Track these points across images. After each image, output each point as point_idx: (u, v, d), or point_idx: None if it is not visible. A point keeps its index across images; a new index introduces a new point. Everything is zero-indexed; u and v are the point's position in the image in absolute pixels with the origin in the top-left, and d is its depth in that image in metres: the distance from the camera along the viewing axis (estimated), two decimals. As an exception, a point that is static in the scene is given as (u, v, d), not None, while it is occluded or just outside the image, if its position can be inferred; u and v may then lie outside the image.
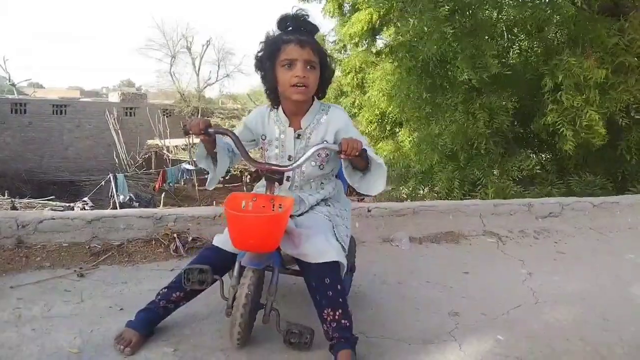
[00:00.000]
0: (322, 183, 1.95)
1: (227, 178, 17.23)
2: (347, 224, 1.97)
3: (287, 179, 1.88)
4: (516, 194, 5.38)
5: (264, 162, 1.83)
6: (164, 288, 1.82)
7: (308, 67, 1.74)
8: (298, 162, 1.69)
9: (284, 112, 1.88)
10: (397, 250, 3.11)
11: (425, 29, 5.26)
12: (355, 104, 9.96)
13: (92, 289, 2.23)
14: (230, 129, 1.92)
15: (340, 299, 1.70)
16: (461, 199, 6.01)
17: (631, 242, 3.50)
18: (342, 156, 1.64)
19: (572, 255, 3.16)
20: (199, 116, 21.06)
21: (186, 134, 1.71)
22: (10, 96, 21.49)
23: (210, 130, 1.69)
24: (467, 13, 5.17)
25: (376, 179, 1.78)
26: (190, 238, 2.83)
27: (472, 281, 2.62)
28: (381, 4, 6.40)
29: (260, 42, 1.83)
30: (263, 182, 1.95)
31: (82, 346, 1.73)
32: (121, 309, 2.03)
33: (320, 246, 1.71)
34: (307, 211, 1.90)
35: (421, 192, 7.46)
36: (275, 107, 1.89)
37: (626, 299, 2.46)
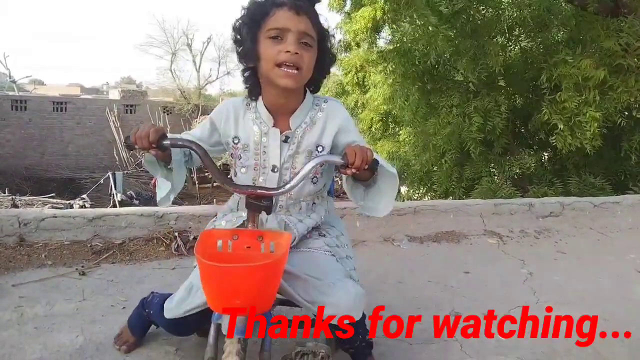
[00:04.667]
0: (314, 203, 1.51)
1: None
2: (350, 253, 1.55)
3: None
4: (508, 195, 5.40)
5: (245, 184, 1.40)
6: (143, 308, 1.71)
7: (303, 42, 1.30)
8: (292, 183, 1.25)
9: (265, 108, 1.42)
10: (398, 249, 3.11)
11: (417, 34, 5.26)
12: (359, 104, 9.99)
13: (93, 287, 2.24)
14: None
15: (361, 341, 1.57)
16: (460, 198, 6.03)
17: (632, 242, 3.50)
18: (349, 172, 1.23)
19: (573, 255, 3.17)
20: (199, 114, 21.02)
21: (130, 148, 1.24)
22: (10, 93, 21.47)
23: (166, 142, 1.24)
24: (468, 15, 5.17)
25: (384, 194, 1.37)
26: (191, 237, 2.84)
27: (473, 281, 2.62)
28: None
29: (244, 6, 1.38)
30: (230, 204, 1.57)
31: (84, 344, 1.74)
32: (123, 308, 2.04)
33: (339, 301, 1.32)
34: (296, 245, 1.44)
35: (420, 191, 7.49)
36: (254, 98, 1.44)
37: (627, 299, 2.47)
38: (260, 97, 1.43)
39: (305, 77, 1.35)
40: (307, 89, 1.44)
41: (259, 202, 1.24)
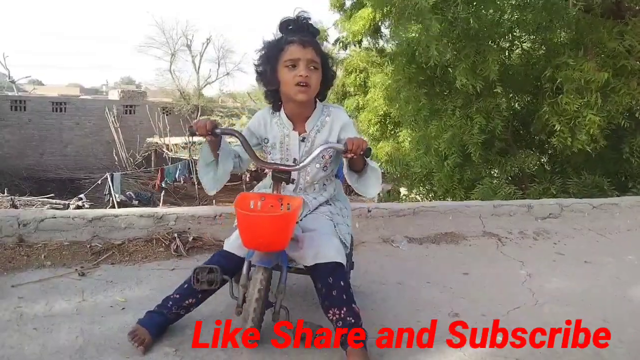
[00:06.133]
0: (324, 184, 1.99)
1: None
2: (348, 222, 2.01)
3: (292, 181, 1.91)
4: (508, 194, 5.38)
5: (271, 161, 1.88)
6: (176, 294, 1.82)
7: (311, 67, 1.77)
8: (305, 162, 1.73)
9: (286, 116, 1.90)
10: (397, 250, 3.11)
11: (424, 37, 5.25)
12: (359, 106, 9.96)
13: (93, 288, 2.24)
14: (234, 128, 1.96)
15: (345, 297, 1.71)
16: (460, 198, 6.03)
17: (630, 243, 3.51)
18: (349, 155, 1.66)
19: (572, 257, 3.17)
20: (199, 115, 21.08)
21: (192, 134, 1.74)
22: (10, 93, 21.46)
23: (217, 130, 1.72)
24: (469, 19, 5.14)
25: (373, 182, 1.82)
26: (190, 238, 2.84)
27: (472, 282, 2.62)
28: (382, 4, 6.41)
29: (261, 45, 1.86)
30: (265, 182, 2.03)
31: (83, 345, 1.74)
32: (123, 308, 2.04)
33: (322, 247, 1.74)
34: (310, 212, 1.93)
35: (420, 192, 7.49)
36: (277, 110, 1.92)
37: (626, 300, 2.47)
38: (282, 109, 1.91)
39: (314, 91, 1.83)
40: (317, 99, 1.90)
41: (281, 175, 1.74)
